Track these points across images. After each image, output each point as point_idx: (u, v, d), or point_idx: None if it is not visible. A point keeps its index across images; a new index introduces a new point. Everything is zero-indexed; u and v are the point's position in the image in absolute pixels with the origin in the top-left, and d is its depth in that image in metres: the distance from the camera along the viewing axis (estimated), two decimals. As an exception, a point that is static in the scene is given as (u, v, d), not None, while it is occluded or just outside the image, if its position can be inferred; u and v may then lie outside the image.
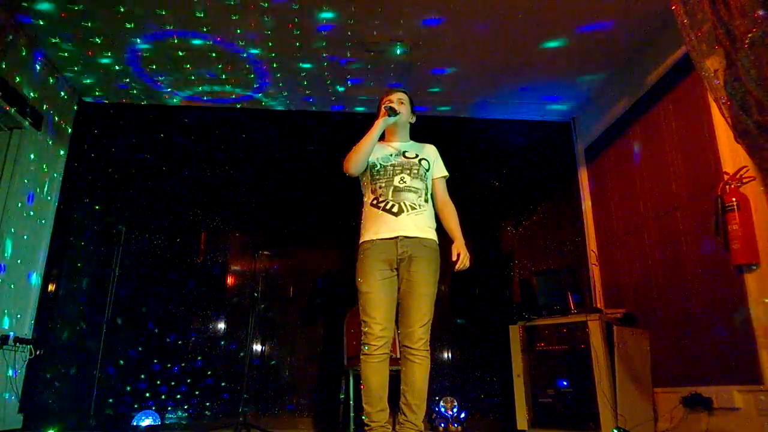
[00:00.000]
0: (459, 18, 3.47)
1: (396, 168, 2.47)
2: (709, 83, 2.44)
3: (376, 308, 2.30)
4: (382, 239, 2.37)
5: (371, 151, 2.47)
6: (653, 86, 3.63)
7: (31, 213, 3.83)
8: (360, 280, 2.37)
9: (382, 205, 2.43)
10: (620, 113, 4.04)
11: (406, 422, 2.28)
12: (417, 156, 2.54)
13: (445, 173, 2.63)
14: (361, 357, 2.30)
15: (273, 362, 4.34)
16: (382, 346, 2.27)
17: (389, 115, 2.47)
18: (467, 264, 2.43)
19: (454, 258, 2.43)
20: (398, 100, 2.59)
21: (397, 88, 2.73)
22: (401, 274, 2.37)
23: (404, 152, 2.54)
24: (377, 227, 2.40)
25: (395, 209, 2.40)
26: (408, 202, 2.42)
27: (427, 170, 2.53)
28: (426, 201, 2.49)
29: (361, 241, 2.45)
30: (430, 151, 2.62)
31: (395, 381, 2.34)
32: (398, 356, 2.42)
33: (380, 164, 2.50)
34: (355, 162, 2.45)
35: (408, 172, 2.47)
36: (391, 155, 2.53)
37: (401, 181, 2.44)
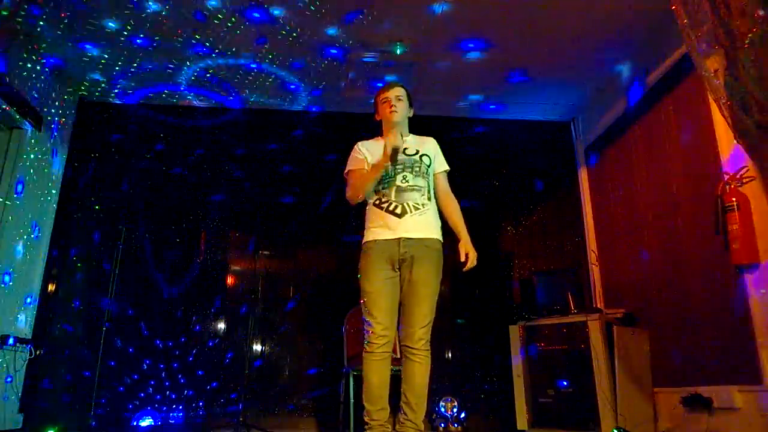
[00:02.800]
0: (459, 19, 3.47)
1: (397, 167, 2.45)
2: (709, 83, 2.45)
3: (378, 308, 2.31)
4: (385, 240, 2.37)
5: (372, 188, 2.47)
6: (653, 86, 3.63)
7: (32, 213, 3.83)
8: (363, 280, 2.37)
9: (385, 206, 2.42)
10: (620, 113, 4.04)
11: (407, 421, 2.28)
12: (417, 152, 2.51)
13: (446, 167, 2.61)
14: (364, 355, 2.31)
15: (273, 362, 4.33)
16: (383, 344, 2.28)
17: (392, 160, 2.41)
18: (475, 263, 2.42)
19: (463, 258, 2.42)
20: (396, 97, 2.56)
21: (395, 82, 2.67)
22: (403, 275, 2.37)
23: (404, 149, 2.51)
24: (380, 228, 2.40)
25: (398, 210, 2.39)
26: (411, 202, 2.41)
27: (429, 166, 2.51)
28: (429, 199, 2.47)
29: (364, 240, 2.45)
30: (430, 146, 2.59)
31: (396, 381, 2.35)
32: (399, 356, 2.42)
33: None
34: (357, 198, 2.48)
35: (410, 170, 2.45)
36: None
37: (403, 180, 2.43)
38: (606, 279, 4.23)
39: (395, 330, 2.36)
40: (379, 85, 4.18)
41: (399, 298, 2.38)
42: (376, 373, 2.28)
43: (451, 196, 2.58)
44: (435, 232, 2.44)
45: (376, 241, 2.39)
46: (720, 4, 2.29)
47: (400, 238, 2.36)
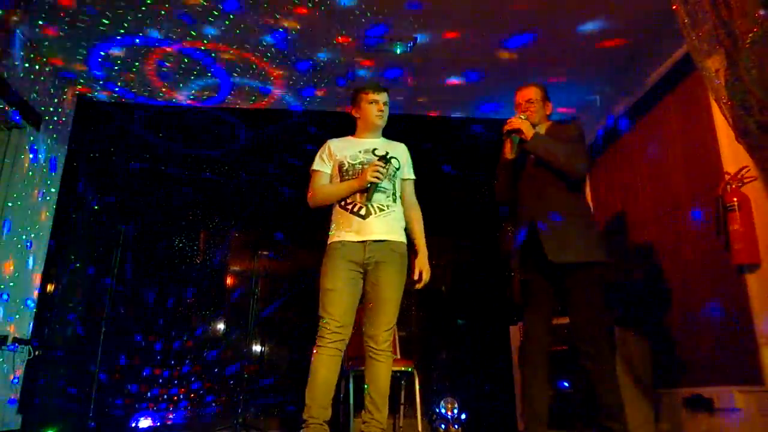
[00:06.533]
0: (459, 20, 3.46)
1: (365, 167, 2.43)
2: (710, 83, 2.44)
3: (335, 306, 2.29)
4: (350, 242, 2.36)
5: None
6: (654, 86, 3.62)
7: (31, 213, 3.83)
8: (324, 278, 2.35)
9: (350, 207, 2.41)
10: (621, 113, 4.04)
11: (372, 420, 2.26)
12: (387, 154, 2.47)
13: (413, 176, 2.60)
14: (314, 349, 2.29)
15: (272, 362, 4.33)
16: (336, 341, 2.26)
17: (368, 189, 2.38)
18: (427, 280, 2.44)
19: (416, 277, 2.42)
20: (385, 102, 2.53)
21: (382, 86, 2.60)
22: (368, 278, 2.37)
23: (374, 150, 2.50)
24: (345, 229, 2.39)
25: (363, 212, 2.39)
26: (376, 203, 2.40)
27: (397, 169, 2.49)
28: (394, 201, 2.46)
29: (329, 241, 2.44)
30: (400, 150, 2.58)
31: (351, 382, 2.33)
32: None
33: (348, 163, 2.46)
34: (319, 205, 2.52)
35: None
36: (360, 152, 2.49)
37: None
38: (606, 279, 4.21)
39: (350, 330, 2.34)
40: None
41: (359, 300, 2.37)
42: (325, 368, 2.24)
43: (416, 204, 2.57)
44: (399, 235, 2.43)
45: (342, 242, 2.37)
46: (720, 4, 2.29)
47: (365, 241, 2.35)
